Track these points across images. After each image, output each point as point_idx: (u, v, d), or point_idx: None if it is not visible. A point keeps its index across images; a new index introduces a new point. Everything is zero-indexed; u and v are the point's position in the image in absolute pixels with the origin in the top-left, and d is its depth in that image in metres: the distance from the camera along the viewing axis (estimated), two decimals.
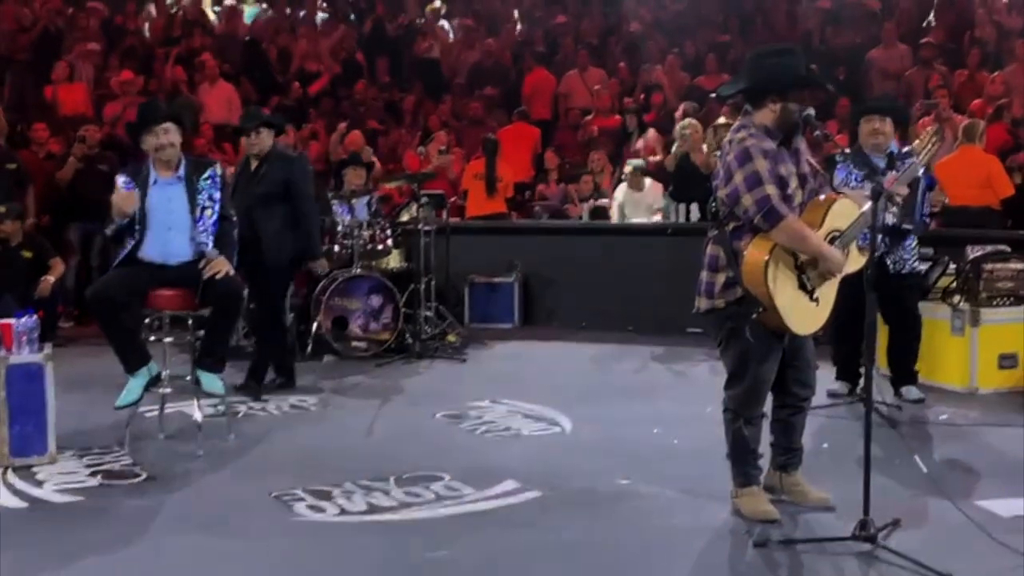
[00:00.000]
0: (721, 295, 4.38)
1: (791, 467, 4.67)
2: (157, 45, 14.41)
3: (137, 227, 5.68)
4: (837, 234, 4.35)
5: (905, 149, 6.50)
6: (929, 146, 4.78)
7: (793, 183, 4.35)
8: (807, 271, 4.31)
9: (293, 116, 12.65)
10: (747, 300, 4.28)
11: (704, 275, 4.46)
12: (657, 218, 10.23)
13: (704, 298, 4.46)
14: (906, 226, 6.25)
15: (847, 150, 6.15)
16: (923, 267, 6.92)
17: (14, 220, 8.95)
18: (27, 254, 8.99)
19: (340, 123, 12.03)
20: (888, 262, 6.37)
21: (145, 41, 14.58)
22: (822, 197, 4.45)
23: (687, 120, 10.60)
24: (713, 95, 12.00)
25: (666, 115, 11.99)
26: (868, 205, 4.25)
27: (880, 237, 6.27)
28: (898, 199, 4.76)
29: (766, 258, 4.21)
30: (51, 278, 8.89)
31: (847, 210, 4.38)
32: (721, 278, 4.38)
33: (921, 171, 5.81)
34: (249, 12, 15.85)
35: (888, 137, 6.39)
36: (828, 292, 4.40)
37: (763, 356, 4.37)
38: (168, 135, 5.73)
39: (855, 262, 4.44)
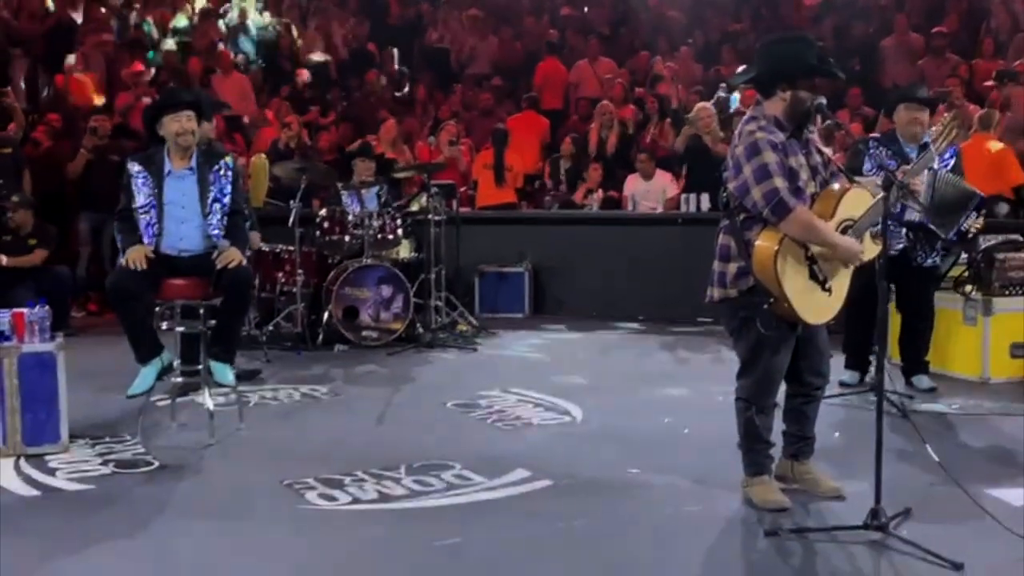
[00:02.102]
0: (733, 284, 4.38)
1: (803, 456, 4.66)
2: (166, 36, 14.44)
3: (155, 220, 5.69)
4: (850, 223, 4.33)
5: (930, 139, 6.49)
6: (946, 132, 4.75)
7: (804, 174, 4.33)
8: (818, 261, 4.30)
9: (303, 105, 12.68)
10: (758, 290, 4.28)
11: (716, 265, 4.46)
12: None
13: (716, 288, 4.46)
14: (941, 233, 6.24)
15: (873, 136, 6.14)
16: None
17: (26, 210, 8.98)
18: (33, 242, 9.01)
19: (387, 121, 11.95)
20: (912, 255, 6.36)
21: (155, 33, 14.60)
22: (836, 187, 4.43)
23: (701, 103, 10.59)
24: (723, 85, 11.99)
25: (667, 109, 11.93)
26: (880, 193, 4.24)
27: (905, 231, 6.27)
28: (917, 190, 4.73)
29: (776, 248, 4.21)
30: (3, 257, 8.85)
31: (860, 199, 4.36)
32: (733, 268, 4.38)
33: (936, 162, 5.77)
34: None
35: (925, 128, 6.34)
36: (841, 281, 4.39)
37: (776, 346, 4.36)
38: (190, 122, 5.73)
39: (869, 251, 4.43)
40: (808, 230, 4.23)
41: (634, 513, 4.51)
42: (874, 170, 5.95)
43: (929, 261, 6.48)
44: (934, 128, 4.85)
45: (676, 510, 4.52)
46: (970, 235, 6.42)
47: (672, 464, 5.13)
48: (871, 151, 6.26)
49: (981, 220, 6.39)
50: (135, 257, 5.52)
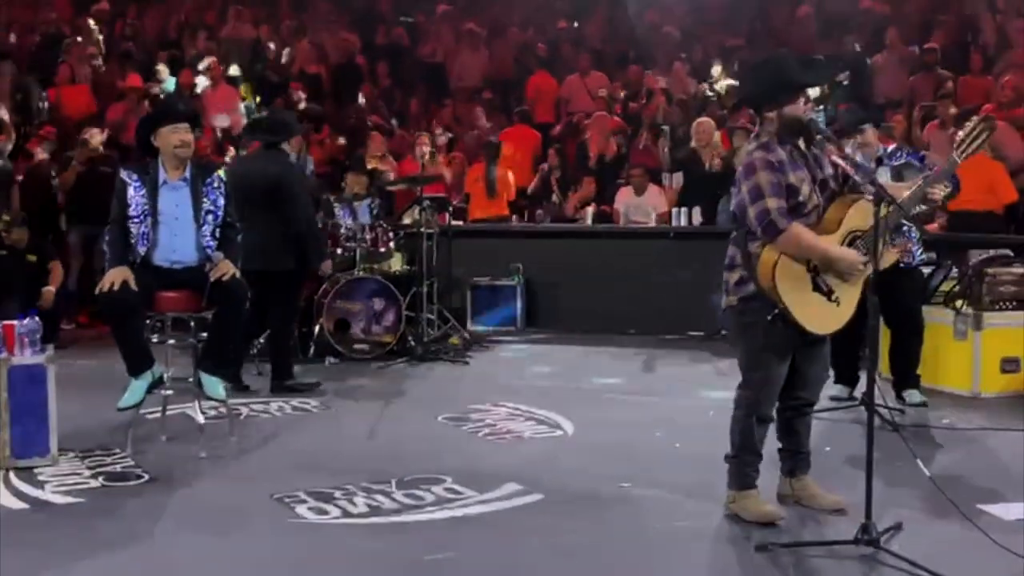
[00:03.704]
0: (734, 292, 4.45)
1: (799, 471, 4.66)
2: (157, 48, 14.46)
3: (149, 230, 5.68)
4: (858, 234, 4.34)
5: (890, 148, 6.51)
6: (972, 137, 4.52)
7: (806, 189, 4.35)
8: (821, 273, 4.32)
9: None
10: (759, 297, 4.33)
11: (724, 274, 4.53)
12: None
13: (724, 296, 4.53)
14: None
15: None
16: (924, 270, 6.92)
17: (21, 227, 8.98)
18: (32, 258, 9.02)
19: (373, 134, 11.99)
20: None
21: (146, 44, 14.62)
22: (843, 198, 4.44)
23: (701, 118, 10.64)
24: (715, 99, 12.03)
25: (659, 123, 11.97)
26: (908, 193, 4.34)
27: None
28: (935, 198, 4.70)
29: (775, 261, 4.25)
30: (52, 288, 8.87)
31: (867, 210, 4.35)
32: (735, 276, 4.45)
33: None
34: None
35: (873, 145, 6.44)
36: (848, 291, 4.39)
37: (776, 354, 4.38)
38: (188, 134, 5.75)
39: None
40: (800, 247, 4.26)
41: (625, 527, 4.50)
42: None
43: (917, 260, 6.50)
44: (961, 133, 4.70)
45: (667, 524, 4.52)
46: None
47: (663, 478, 5.13)
48: None
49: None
50: (112, 279, 5.46)
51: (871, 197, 4.26)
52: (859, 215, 4.35)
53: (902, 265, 6.40)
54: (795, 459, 4.66)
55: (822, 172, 4.44)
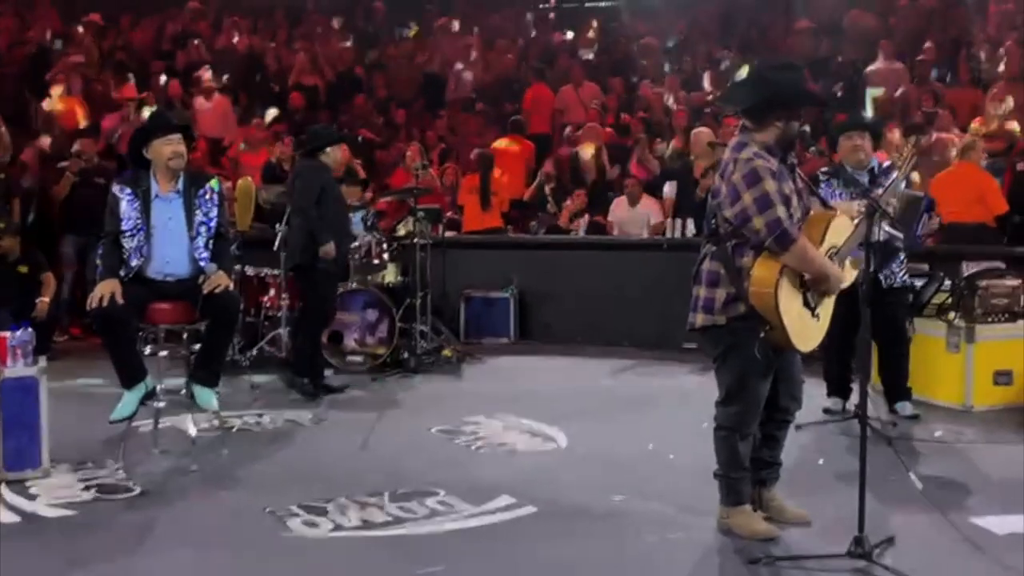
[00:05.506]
0: (722, 312, 4.34)
1: (771, 482, 4.65)
2: (151, 58, 14.47)
3: (143, 243, 5.67)
4: (835, 250, 4.36)
5: (886, 163, 6.52)
6: (909, 160, 4.89)
7: (795, 200, 4.34)
8: (811, 289, 4.31)
9: (291, 130, 12.69)
10: (752, 317, 4.25)
11: (702, 291, 4.41)
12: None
13: (702, 314, 4.41)
14: (897, 244, 6.28)
15: (825, 168, 6.21)
16: (916, 282, 6.93)
17: (13, 236, 8.95)
18: (23, 269, 8.98)
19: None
20: (880, 277, 6.39)
21: (139, 55, 14.63)
22: (822, 213, 4.45)
23: (699, 128, 10.68)
24: (708, 111, 12.05)
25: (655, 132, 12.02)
26: (860, 219, 4.29)
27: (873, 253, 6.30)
28: (888, 212, 4.79)
29: (777, 278, 4.18)
30: (46, 299, 8.85)
31: (843, 226, 4.40)
32: (722, 294, 4.34)
33: (903, 185, 5.81)
34: None
35: (868, 153, 6.40)
36: (827, 308, 4.41)
37: (764, 373, 4.35)
38: (181, 145, 5.75)
39: (849, 276, 4.46)
40: (807, 260, 4.23)
41: (618, 540, 4.50)
42: (831, 198, 6.03)
43: (899, 281, 6.52)
44: (896, 155, 4.95)
45: (660, 537, 4.51)
46: (930, 233, 6.49)
47: (656, 490, 5.13)
48: (822, 185, 6.30)
49: (936, 220, 6.48)
50: (102, 292, 5.49)
51: (858, 206, 4.30)
52: (837, 231, 4.36)
53: (884, 286, 6.40)
54: (768, 469, 4.63)
55: (798, 184, 4.44)
